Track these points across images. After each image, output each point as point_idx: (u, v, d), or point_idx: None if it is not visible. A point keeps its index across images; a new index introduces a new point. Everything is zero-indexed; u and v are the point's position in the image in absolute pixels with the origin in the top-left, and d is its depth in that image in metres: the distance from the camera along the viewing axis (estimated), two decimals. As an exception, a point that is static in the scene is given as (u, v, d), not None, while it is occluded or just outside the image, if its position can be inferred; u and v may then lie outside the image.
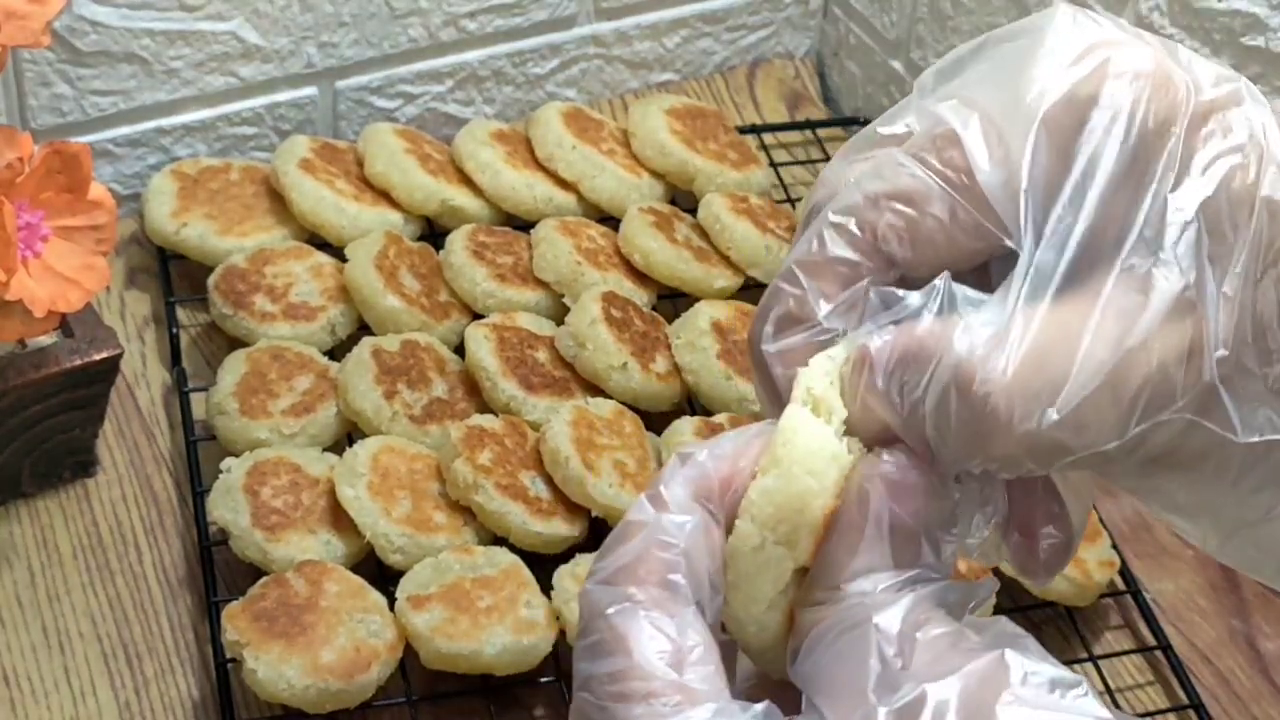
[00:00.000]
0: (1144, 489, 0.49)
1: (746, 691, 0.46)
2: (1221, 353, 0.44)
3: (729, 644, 0.47)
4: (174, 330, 0.99)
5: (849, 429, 0.45)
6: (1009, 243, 0.45)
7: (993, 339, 0.44)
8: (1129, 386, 0.44)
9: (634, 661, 0.43)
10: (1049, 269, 0.44)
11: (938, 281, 0.45)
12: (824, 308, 0.47)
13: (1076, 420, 0.43)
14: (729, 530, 0.46)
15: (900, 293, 0.46)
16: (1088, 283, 0.44)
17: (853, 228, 0.46)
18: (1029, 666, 0.41)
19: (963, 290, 0.45)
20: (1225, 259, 0.45)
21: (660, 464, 0.91)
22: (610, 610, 0.44)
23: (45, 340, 0.87)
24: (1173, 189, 0.45)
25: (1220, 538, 0.50)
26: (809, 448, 0.44)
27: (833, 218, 0.47)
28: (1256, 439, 0.45)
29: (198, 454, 0.92)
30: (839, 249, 0.47)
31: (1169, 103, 0.45)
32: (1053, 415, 0.43)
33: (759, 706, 0.42)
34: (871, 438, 0.45)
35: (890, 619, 0.42)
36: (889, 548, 0.44)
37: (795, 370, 0.46)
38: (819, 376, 0.45)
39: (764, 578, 0.45)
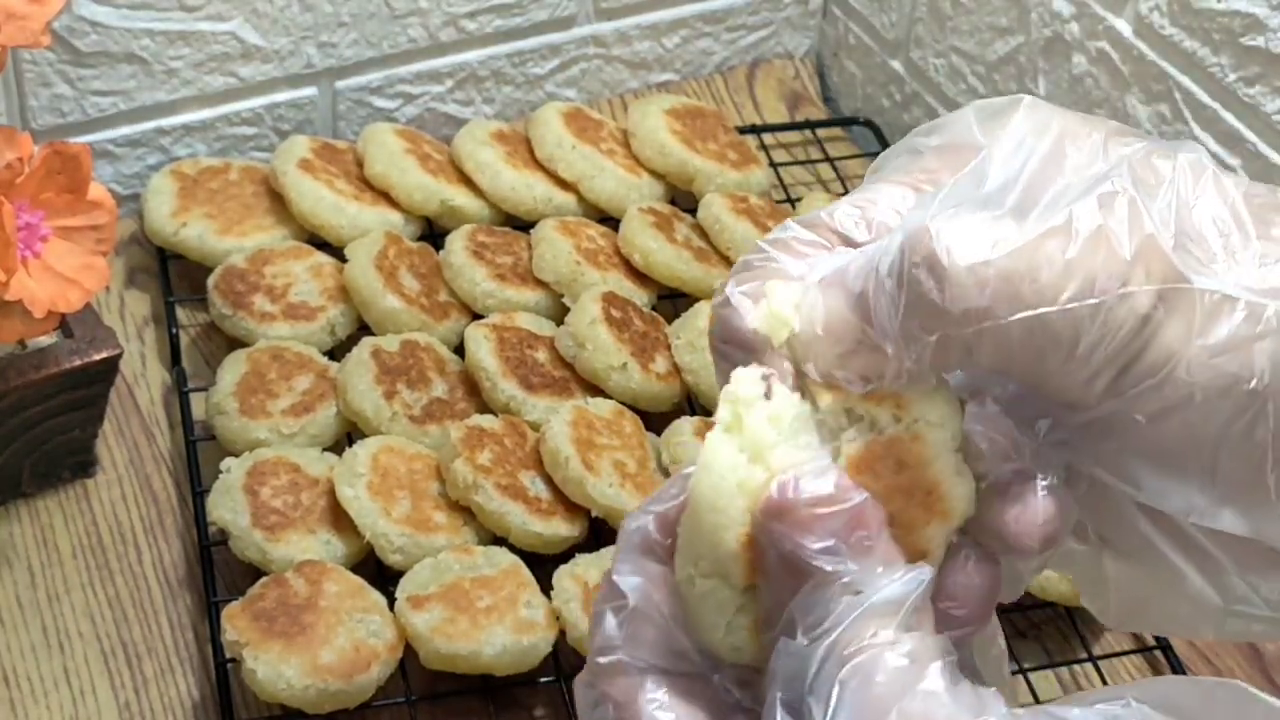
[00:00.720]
0: (1114, 457, 0.48)
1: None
2: (1168, 238, 0.44)
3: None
4: (174, 330, 0.99)
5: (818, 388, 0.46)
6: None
7: (933, 206, 0.45)
8: (1077, 245, 0.43)
9: None
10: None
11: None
12: (781, 262, 0.48)
13: (1028, 265, 0.43)
14: None
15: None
16: None
17: (813, 219, 0.49)
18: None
19: None
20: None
21: (660, 464, 0.91)
22: (592, 715, 0.47)
23: (45, 340, 0.87)
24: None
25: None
26: (713, 482, 0.44)
27: (798, 218, 0.49)
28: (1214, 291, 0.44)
29: (197, 454, 0.92)
30: (799, 232, 0.48)
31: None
32: (999, 252, 0.43)
33: None
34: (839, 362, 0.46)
35: (824, 664, 0.43)
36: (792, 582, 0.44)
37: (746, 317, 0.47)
38: (746, 386, 0.45)
39: (707, 609, 0.45)
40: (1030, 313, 0.43)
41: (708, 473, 0.44)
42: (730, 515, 0.44)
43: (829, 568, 0.43)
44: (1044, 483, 0.46)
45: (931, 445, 0.45)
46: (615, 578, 0.47)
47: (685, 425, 0.92)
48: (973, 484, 0.45)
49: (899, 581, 0.43)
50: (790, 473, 0.44)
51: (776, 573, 0.44)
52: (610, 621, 0.47)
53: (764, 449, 0.44)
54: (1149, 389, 0.44)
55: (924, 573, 0.43)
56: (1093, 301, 0.43)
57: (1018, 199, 0.45)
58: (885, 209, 0.48)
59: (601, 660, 0.47)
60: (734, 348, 0.47)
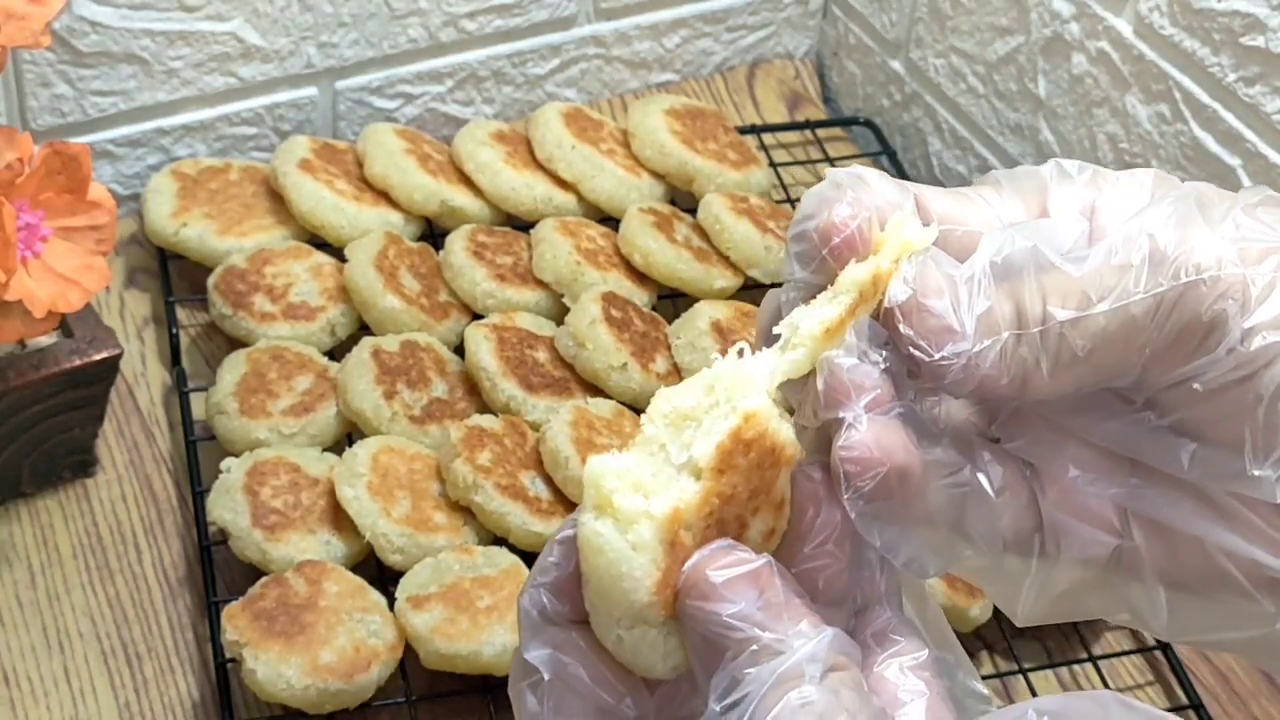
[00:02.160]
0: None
1: None
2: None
3: None
4: (174, 330, 0.99)
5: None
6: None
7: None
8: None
9: None
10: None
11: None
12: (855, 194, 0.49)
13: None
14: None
15: None
16: None
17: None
18: None
19: None
20: None
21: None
22: None
23: (45, 340, 0.87)
24: None
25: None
26: (612, 558, 0.46)
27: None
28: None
29: (197, 454, 0.92)
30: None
31: None
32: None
33: None
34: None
35: None
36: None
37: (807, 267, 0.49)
38: (599, 470, 0.47)
39: (642, 653, 0.47)
40: (1119, 304, 0.46)
41: (600, 554, 0.46)
42: (636, 577, 0.46)
43: (741, 634, 0.45)
44: (870, 415, 0.47)
45: (762, 416, 0.47)
46: (525, 656, 0.49)
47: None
48: (791, 427, 0.48)
49: (810, 643, 0.45)
50: (698, 554, 0.46)
51: (699, 651, 0.46)
52: (530, 699, 0.49)
53: (638, 516, 0.46)
54: (1211, 363, 0.47)
55: (827, 633, 0.45)
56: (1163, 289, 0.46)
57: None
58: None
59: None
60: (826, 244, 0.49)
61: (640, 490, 0.46)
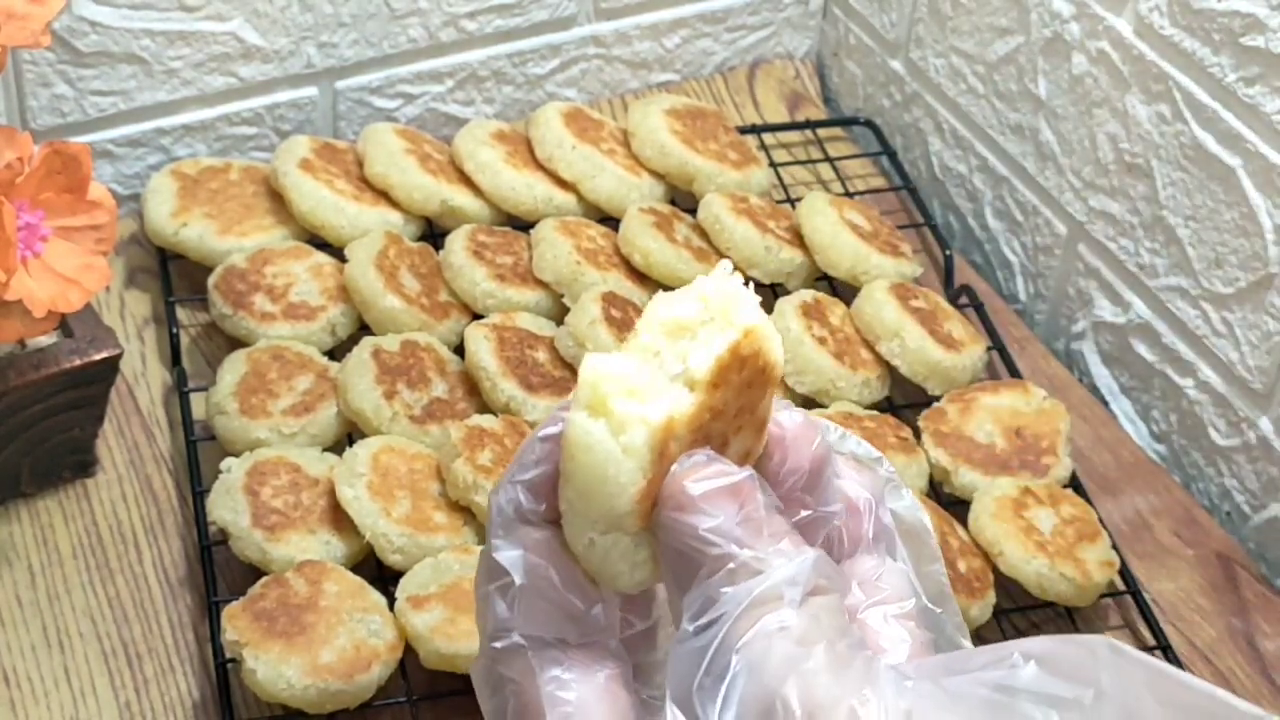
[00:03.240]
0: None
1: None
2: None
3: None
4: (174, 330, 0.99)
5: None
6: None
7: None
8: None
9: None
10: None
11: None
12: None
13: None
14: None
15: None
16: None
17: None
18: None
19: None
20: None
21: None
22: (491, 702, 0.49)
23: (45, 340, 0.87)
24: None
25: None
26: (594, 459, 0.45)
27: None
28: None
29: (198, 454, 0.92)
30: None
31: None
32: None
33: None
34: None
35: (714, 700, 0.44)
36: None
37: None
38: (597, 371, 0.46)
39: (612, 561, 0.47)
40: None
41: (588, 453, 0.45)
42: (622, 482, 0.45)
43: (718, 550, 0.44)
44: None
45: (760, 333, 0.47)
46: (495, 555, 0.48)
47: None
48: (781, 346, 0.47)
49: (790, 564, 0.44)
50: (677, 463, 0.45)
51: (674, 566, 0.45)
52: (499, 604, 0.47)
53: (633, 422, 0.45)
54: None
55: (809, 559, 0.44)
56: None
57: None
58: None
59: (497, 645, 0.47)
60: None
61: (635, 396, 0.45)
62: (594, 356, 0.46)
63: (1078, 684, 0.42)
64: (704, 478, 0.45)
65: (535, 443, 0.48)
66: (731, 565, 0.44)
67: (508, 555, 0.47)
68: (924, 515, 0.53)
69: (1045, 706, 0.41)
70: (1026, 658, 0.42)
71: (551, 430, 0.48)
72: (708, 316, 0.47)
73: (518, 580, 0.47)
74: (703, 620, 0.44)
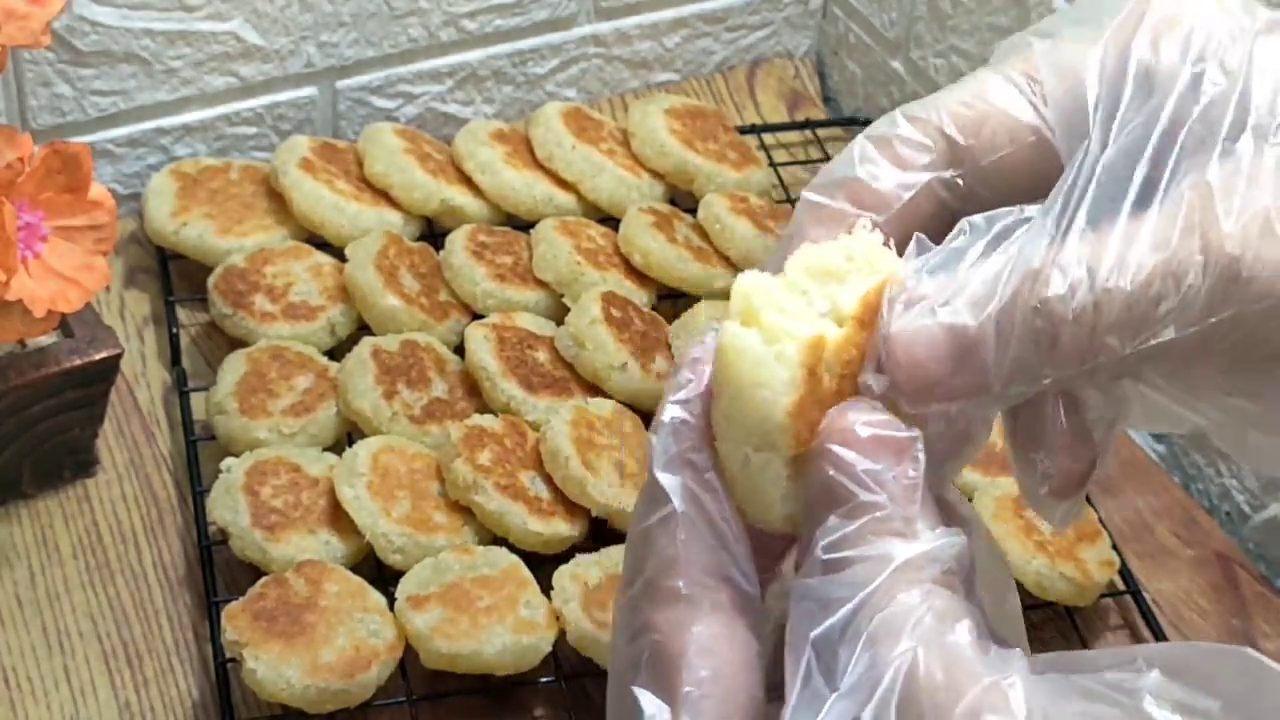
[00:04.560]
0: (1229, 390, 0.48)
1: None
2: None
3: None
4: (174, 330, 0.99)
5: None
6: (1059, 145, 0.47)
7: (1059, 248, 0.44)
8: (1198, 261, 0.44)
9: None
10: (1122, 170, 0.46)
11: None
12: (882, 180, 0.48)
13: (1142, 298, 0.44)
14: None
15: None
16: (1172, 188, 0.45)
17: (922, 114, 0.49)
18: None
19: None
20: None
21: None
22: (627, 646, 0.46)
23: (45, 340, 0.87)
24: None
25: None
26: (748, 363, 0.45)
27: (906, 108, 0.49)
28: None
29: (198, 454, 0.92)
30: (907, 130, 0.49)
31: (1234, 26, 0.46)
32: (1123, 284, 0.43)
33: None
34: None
35: (828, 629, 0.43)
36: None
37: (810, 228, 0.49)
38: (751, 283, 0.46)
39: (764, 482, 0.46)
40: (1153, 342, 0.44)
41: (742, 358, 0.45)
42: (775, 388, 0.45)
43: (870, 496, 0.43)
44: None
45: (901, 280, 0.47)
46: (659, 478, 0.47)
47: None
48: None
49: (935, 541, 0.43)
50: (851, 401, 0.45)
51: (816, 497, 0.44)
52: (662, 539, 0.46)
53: (782, 330, 0.45)
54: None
55: (958, 537, 0.43)
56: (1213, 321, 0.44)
57: (1142, 178, 0.45)
58: (995, 104, 0.48)
59: (663, 582, 0.46)
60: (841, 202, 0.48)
61: (784, 315, 0.46)
62: (748, 273, 0.46)
63: (1205, 693, 0.41)
64: (873, 424, 0.44)
65: (686, 366, 0.47)
66: (879, 515, 0.43)
67: (669, 481, 0.46)
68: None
69: (1170, 711, 0.40)
70: (1150, 663, 0.42)
71: (699, 353, 0.47)
72: (852, 267, 0.47)
73: (679, 507, 0.46)
74: (835, 556, 0.43)
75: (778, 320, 0.45)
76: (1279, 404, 0.47)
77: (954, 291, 0.45)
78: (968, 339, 0.45)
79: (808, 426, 0.45)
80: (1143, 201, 0.45)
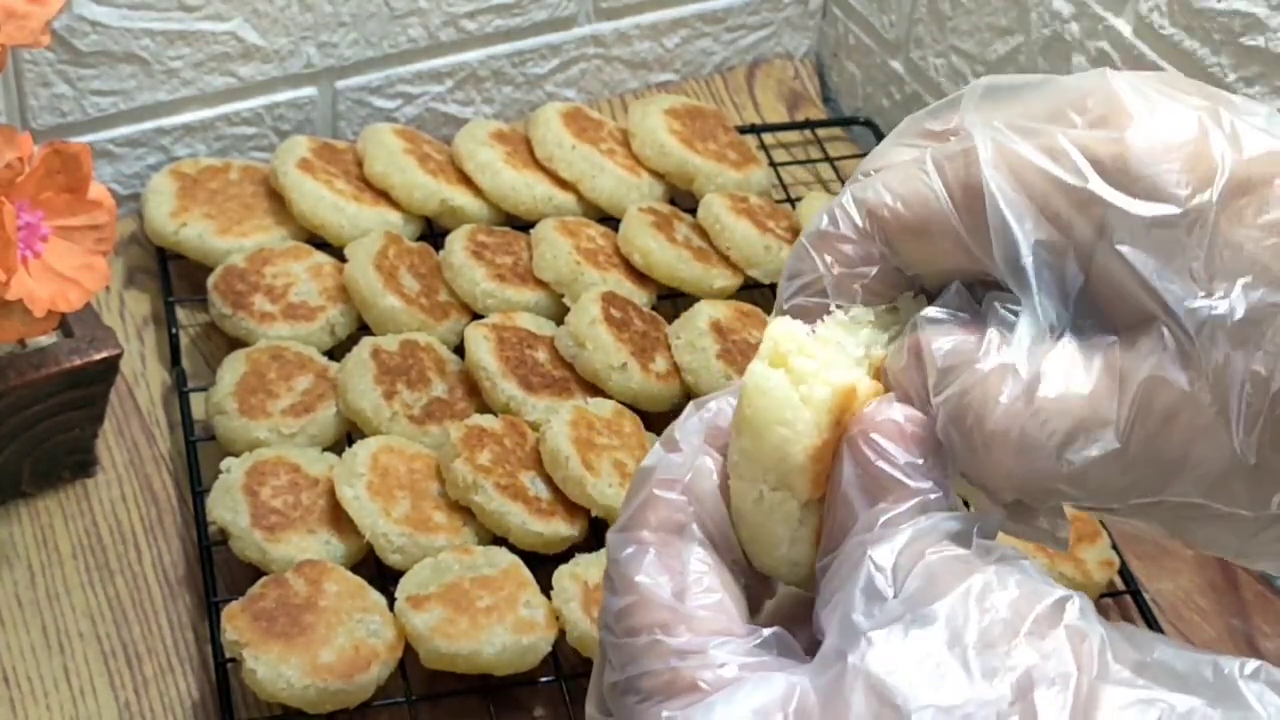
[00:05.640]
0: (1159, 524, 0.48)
1: (776, 622, 0.47)
2: (1241, 437, 0.43)
3: (761, 579, 0.49)
4: (173, 330, 0.99)
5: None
6: (997, 275, 0.46)
7: (1000, 374, 0.45)
8: (1144, 457, 0.44)
9: (639, 598, 0.45)
10: (1056, 317, 0.45)
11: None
12: (827, 277, 0.49)
13: (1080, 475, 0.44)
14: None
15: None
16: (1100, 341, 0.45)
17: (856, 216, 0.48)
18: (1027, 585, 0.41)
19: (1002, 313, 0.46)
20: (1256, 340, 0.43)
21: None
22: (620, 555, 0.46)
23: (45, 340, 0.87)
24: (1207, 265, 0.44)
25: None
26: (776, 400, 0.46)
27: (845, 200, 0.49)
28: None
29: (197, 454, 0.92)
30: (845, 228, 0.48)
31: (1200, 175, 0.44)
32: (1055, 465, 0.44)
33: (766, 632, 0.44)
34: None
35: (885, 553, 0.43)
36: (879, 494, 0.45)
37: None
38: (783, 330, 0.47)
39: (773, 522, 0.46)
40: (1087, 504, 0.45)
41: (765, 395, 0.46)
42: (797, 428, 0.45)
43: (912, 483, 0.44)
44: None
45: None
46: (672, 456, 0.47)
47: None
48: None
49: (982, 519, 0.44)
50: (884, 398, 0.45)
51: (850, 491, 0.44)
52: (673, 459, 0.47)
53: (810, 374, 0.46)
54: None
55: (995, 514, 0.44)
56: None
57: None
58: (933, 233, 0.48)
59: (662, 494, 0.46)
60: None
61: (824, 364, 0.46)
62: (781, 319, 0.47)
63: None
64: (913, 421, 0.45)
65: (729, 394, 0.48)
66: (927, 498, 0.44)
67: (689, 440, 0.47)
68: None
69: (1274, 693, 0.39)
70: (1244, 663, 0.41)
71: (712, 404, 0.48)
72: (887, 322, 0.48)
73: (684, 476, 0.47)
74: (882, 538, 0.43)
75: (807, 366, 0.46)
76: (1184, 511, 0.47)
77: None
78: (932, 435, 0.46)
79: (826, 473, 0.46)
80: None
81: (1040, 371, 0.44)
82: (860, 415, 0.45)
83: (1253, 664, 0.40)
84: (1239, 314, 0.42)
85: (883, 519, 0.44)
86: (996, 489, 0.46)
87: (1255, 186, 0.43)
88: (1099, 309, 0.45)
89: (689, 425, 0.48)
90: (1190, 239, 0.43)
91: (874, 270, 0.48)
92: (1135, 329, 0.44)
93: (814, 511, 0.46)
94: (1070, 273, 0.45)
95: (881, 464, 0.44)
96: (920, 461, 0.44)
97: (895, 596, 0.42)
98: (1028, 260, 0.45)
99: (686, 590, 0.45)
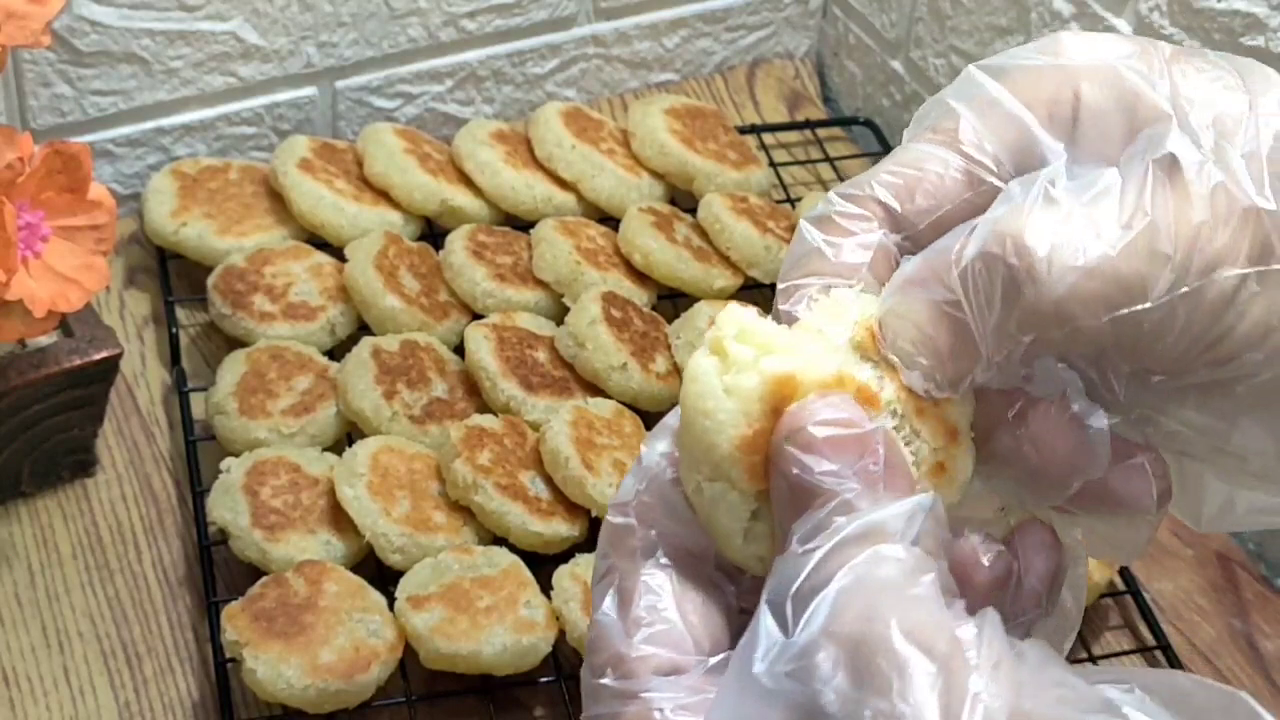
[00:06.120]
0: (1205, 418, 0.48)
1: None
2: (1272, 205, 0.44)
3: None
4: (173, 330, 0.99)
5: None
6: (997, 182, 0.47)
7: (1025, 208, 0.45)
8: (1166, 237, 0.44)
9: (596, 634, 0.46)
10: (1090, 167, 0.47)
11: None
12: (840, 249, 0.48)
13: (1113, 271, 0.44)
14: None
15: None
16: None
17: (854, 190, 0.49)
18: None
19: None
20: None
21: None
22: (593, 586, 0.47)
23: (45, 340, 0.87)
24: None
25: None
26: (700, 389, 0.44)
27: (838, 187, 0.49)
28: None
29: (197, 454, 0.92)
30: (844, 207, 0.49)
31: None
32: (1091, 255, 0.44)
33: (718, 658, 0.44)
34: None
35: (788, 580, 0.42)
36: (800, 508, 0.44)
37: (793, 305, 0.48)
38: (725, 315, 0.45)
39: (720, 515, 0.45)
40: (1125, 311, 0.44)
41: (694, 382, 0.44)
42: (719, 418, 0.44)
43: (831, 486, 0.43)
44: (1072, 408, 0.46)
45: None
46: (626, 479, 0.48)
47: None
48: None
49: (903, 504, 0.42)
50: (809, 397, 0.44)
51: (783, 500, 0.44)
52: (628, 479, 0.47)
53: (744, 362, 0.44)
54: (1248, 359, 0.45)
55: (926, 499, 0.43)
56: (1184, 291, 0.44)
57: (1101, 186, 0.46)
58: (924, 168, 0.48)
59: (615, 520, 0.47)
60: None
61: (762, 349, 0.44)
62: (735, 305, 0.46)
63: None
64: (831, 423, 0.43)
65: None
66: (846, 497, 0.42)
67: (655, 447, 0.48)
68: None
69: None
70: (1147, 690, 0.40)
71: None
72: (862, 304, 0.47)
73: (646, 464, 0.47)
74: (810, 545, 0.42)
75: (741, 353, 0.44)
76: (1240, 423, 0.47)
77: (921, 267, 0.46)
78: (948, 306, 0.45)
79: (764, 457, 0.44)
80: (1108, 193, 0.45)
81: (1081, 217, 0.44)
82: (782, 420, 0.44)
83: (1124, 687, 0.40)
84: None
85: (797, 535, 0.43)
86: (1041, 316, 0.45)
87: None
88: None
89: (655, 430, 0.48)
90: None
91: (875, 239, 0.48)
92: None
93: (768, 506, 0.45)
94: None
95: (798, 474, 0.43)
96: (836, 468, 0.43)
97: (792, 632, 0.41)
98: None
99: (638, 624, 0.45)
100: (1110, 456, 0.47)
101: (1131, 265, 0.44)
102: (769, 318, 0.46)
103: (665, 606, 0.45)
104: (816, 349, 0.45)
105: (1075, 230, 0.44)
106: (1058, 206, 0.45)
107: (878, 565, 0.41)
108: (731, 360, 0.44)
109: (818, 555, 0.42)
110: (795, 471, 0.43)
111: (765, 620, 0.41)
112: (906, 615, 0.40)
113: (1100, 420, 0.47)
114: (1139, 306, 0.44)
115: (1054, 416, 0.47)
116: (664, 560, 0.46)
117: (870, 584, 0.40)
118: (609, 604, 0.46)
